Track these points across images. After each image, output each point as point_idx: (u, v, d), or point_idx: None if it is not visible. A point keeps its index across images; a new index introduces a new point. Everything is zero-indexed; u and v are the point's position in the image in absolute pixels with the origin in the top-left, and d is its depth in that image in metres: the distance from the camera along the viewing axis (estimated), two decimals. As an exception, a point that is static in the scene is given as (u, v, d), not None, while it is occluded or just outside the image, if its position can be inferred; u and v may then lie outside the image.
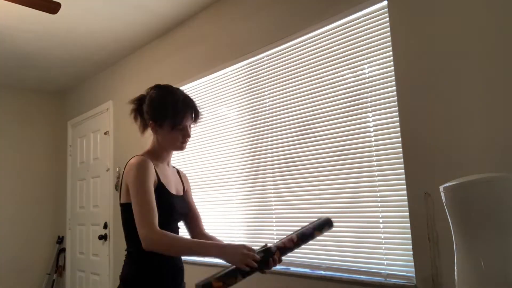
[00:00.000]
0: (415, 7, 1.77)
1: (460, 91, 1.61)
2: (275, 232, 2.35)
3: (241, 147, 2.61)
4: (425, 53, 1.72)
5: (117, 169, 3.82)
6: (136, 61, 3.71)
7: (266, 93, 2.46)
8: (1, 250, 4.36)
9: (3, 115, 4.53)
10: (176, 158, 3.15)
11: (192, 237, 1.78)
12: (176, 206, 1.61)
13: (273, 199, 2.38)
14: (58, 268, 4.62)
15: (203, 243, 1.41)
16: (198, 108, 1.64)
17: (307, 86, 2.23)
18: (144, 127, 1.66)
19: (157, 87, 1.64)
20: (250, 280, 2.41)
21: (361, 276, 1.91)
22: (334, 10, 2.10)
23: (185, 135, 1.61)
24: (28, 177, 4.61)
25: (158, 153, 1.63)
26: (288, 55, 2.34)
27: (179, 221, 1.70)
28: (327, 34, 2.15)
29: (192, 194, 2.99)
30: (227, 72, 2.76)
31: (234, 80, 2.70)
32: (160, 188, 1.54)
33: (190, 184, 2.99)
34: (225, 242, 1.49)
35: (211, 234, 1.79)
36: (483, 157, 1.53)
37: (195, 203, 1.85)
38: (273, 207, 2.37)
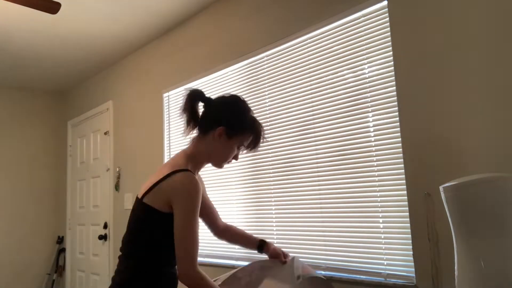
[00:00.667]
0: (415, 7, 1.77)
1: (460, 91, 1.61)
2: (275, 232, 2.35)
3: (241, 147, 2.61)
4: (425, 53, 1.72)
5: (117, 169, 3.82)
6: (136, 61, 3.71)
7: (266, 93, 2.46)
8: (1, 250, 4.36)
9: (3, 115, 4.53)
10: (176, 158, 3.14)
11: (213, 232, 1.80)
12: None
13: (273, 199, 2.38)
14: (58, 268, 4.62)
15: None
16: (263, 136, 1.54)
17: (307, 86, 2.23)
18: (193, 127, 1.52)
19: (237, 97, 1.53)
20: (250, 280, 2.41)
21: (361, 276, 1.91)
22: (334, 10, 2.10)
23: (236, 156, 1.54)
24: (28, 177, 4.61)
25: (198, 163, 1.52)
26: (288, 55, 2.34)
27: None
28: (327, 34, 2.15)
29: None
30: (227, 72, 2.76)
31: (234, 80, 2.70)
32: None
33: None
34: None
35: (229, 223, 1.83)
36: (483, 157, 1.53)
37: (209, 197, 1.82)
38: (273, 207, 2.37)
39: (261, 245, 1.79)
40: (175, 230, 1.36)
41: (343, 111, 2.05)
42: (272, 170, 2.39)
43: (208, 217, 1.79)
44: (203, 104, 1.55)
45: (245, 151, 1.57)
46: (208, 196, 1.77)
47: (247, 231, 1.94)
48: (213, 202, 2.78)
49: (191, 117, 1.51)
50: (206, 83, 2.93)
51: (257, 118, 1.56)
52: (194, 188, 1.35)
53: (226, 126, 1.47)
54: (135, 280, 1.41)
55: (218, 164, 1.54)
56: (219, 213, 2.72)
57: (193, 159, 1.51)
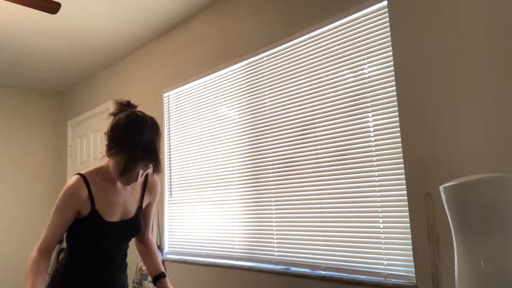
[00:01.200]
0: (415, 7, 1.77)
1: (460, 91, 1.61)
2: (275, 232, 2.35)
3: (241, 147, 2.61)
4: (425, 53, 1.72)
5: (117, 169, 3.82)
6: (136, 61, 3.71)
7: (266, 93, 2.46)
8: (1, 250, 4.36)
9: (3, 114, 4.53)
10: (176, 158, 3.15)
11: (136, 240, 1.78)
12: (108, 235, 1.52)
13: (273, 199, 2.38)
14: (58, 268, 4.62)
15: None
16: (157, 162, 1.42)
17: (307, 86, 2.23)
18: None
19: (127, 116, 1.45)
20: (251, 280, 2.41)
21: (361, 276, 1.91)
22: (334, 10, 2.10)
23: (132, 179, 1.44)
24: (28, 177, 4.61)
25: (103, 175, 1.49)
26: (288, 55, 2.34)
27: (121, 243, 1.61)
28: (327, 34, 2.15)
29: (194, 194, 2.98)
30: (227, 72, 2.76)
31: (234, 80, 2.70)
32: (93, 217, 1.46)
33: (188, 184, 2.99)
34: None
35: (152, 241, 1.80)
36: (483, 157, 1.53)
37: (151, 214, 1.75)
38: (273, 207, 2.37)
39: (157, 278, 1.70)
40: None
41: (343, 111, 2.05)
42: (272, 170, 2.39)
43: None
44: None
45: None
46: (153, 208, 1.73)
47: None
48: (213, 202, 2.79)
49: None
50: (206, 83, 2.94)
51: (152, 139, 1.43)
52: (70, 190, 1.43)
53: (108, 145, 1.43)
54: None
55: (121, 182, 1.47)
56: (218, 213, 2.72)
57: (104, 171, 1.49)
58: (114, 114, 1.50)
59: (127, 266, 1.70)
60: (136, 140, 1.38)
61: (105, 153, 1.44)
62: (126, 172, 1.39)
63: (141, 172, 1.43)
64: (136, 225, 1.59)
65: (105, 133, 1.48)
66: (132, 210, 1.57)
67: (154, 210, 1.76)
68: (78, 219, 1.49)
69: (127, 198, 1.56)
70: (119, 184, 1.52)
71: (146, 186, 1.64)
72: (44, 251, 1.48)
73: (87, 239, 1.53)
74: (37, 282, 1.38)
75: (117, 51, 3.73)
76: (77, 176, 1.46)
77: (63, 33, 3.29)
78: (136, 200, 1.60)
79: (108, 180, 1.50)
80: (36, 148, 4.70)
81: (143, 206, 1.64)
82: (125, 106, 1.51)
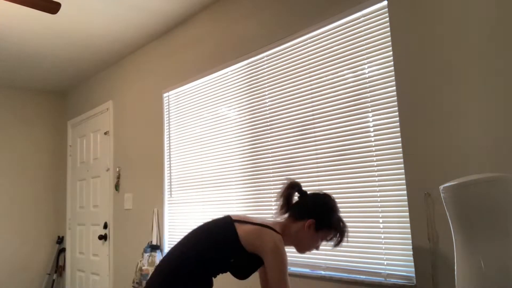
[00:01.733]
0: (415, 7, 1.77)
1: (460, 91, 1.61)
2: (275, 232, 2.35)
3: (241, 147, 2.61)
4: (425, 53, 1.72)
5: (117, 169, 3.82)
6: (136, 61, 3.71)
7: (266, 93, 2.46)
8: (1, 250, 4.36)
9: (3, 115, 4.53)
10: (176, 158, 3.15)
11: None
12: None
13: (273, 199, 2.38)
14: (58, 268, 4.62)
15: None
16: (346, 238, 1.69)
17: (307, 86, 2.23)
18: (285, 211, 1.71)
19: (329, 196, 1.72)
20: (251, 281, 2.41)
21: (361, 276, 1.91)
22: (334, 10, 2.10)
23: (318, 246, 1.69)
24: (28, 177, 4.61)
25: (285, 238, 1.67)
26: (288, 55, 2.34)
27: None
28: (327, 34, 2.15)
29: (194, 194, 2.98)
30: (227, 72, 2.76)
31: (234, 80, 2.70)
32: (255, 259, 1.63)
33: (188, 184, 2.99)
34: None
35: None
36: (483, 157, 1.53)
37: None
38: (273, 207, 2.37)
39: None
40: (270, 279, 1.54)
41: (343, 111, 2.05)
42: (272, 170, 2.39)
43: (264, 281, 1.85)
44: (298, 195, 1.74)
45: (326, 244, 1.72)
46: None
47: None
48: (213, 202, 2.79)
49: (286, 204, 1.71)
50: (206, 83, 2.93)
51: (340, 215, 1.69)
52: (282, 247, 1.57)
53: (316, 219, 1.64)
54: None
55: (301, 250, 1.70)
56: (218, 213, 2.72)
57: (284, 234, 1.67)
58: (285, 195, 1.72)
59: None
60: (340, 217, 1.67)
61: (298, 221, 1.66)
62: (323, 239, 1.66)
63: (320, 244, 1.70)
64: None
65: (289, 202, 1.72)
66: None
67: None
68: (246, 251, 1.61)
69: None
70: None
71: None
72: None
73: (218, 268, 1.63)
74: None
75: (117, 51, 3.73)
76: (280, 236, 1.60)
77: (63, 33, 3.29)
78: None
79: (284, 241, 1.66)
80: (36, 148, 4.70)
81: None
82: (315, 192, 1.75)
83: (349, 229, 1.98)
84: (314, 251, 2.01)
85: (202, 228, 1.68)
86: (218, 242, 1.60)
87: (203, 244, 1.60)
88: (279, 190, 1.74)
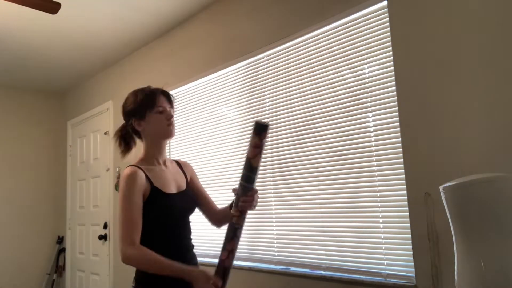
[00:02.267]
0: (415, 7, 1.77)
1: (460, 91, 1.61)
2: (275, 232, 2.35)
3: (241, 147, 2.61)
4: (425, 53, 1.72)
5: (117, 169, 3.82)
6: (136, 61, 3.71)
7: (266, 93, 2.46)
8: (1, 250, 4.36)
9: (3, 115, 4.53)
10: (176, 157, 3.15)
11: (211, 221, 1.85)
12: (176, 205, 1.65)
13: (273, 199, 2.38)
14: (58, 268, 4.62)
15: (172, 267, 1.47)
16: (165, 90, 1.73)
17: (307, 86, 2.23)
18: (126, 144, 1.74)
19: (133, 91, 1.75)
20: (251, 280, 2.41)
21: (361, 276, 1.91)
22: (334, 10, 2.10)
23: (168, 117, 1.67)
24: (28, 177, 4.61)
25: (150, 156, 1.70)
26: (288, 55, 2.34)
27: (186, 216, 1.72)
28: (327, 34, 2.15)
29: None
30: (227, 72, 2.76)
31: (234, 80, 2.70)
32: (155, 193, 1.60)
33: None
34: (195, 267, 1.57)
35: (222, 207, 1.85)
36: (483, 157, 1.53)
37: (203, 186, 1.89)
38: (273, 207, 2.37)
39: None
40: (118, 217, 1.56)
41: (343, 111, 2.05)
42: (272, 170, 2.39)
43: (203, 205, 1.84)
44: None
45: (172, 110, 1.71)
46: (201, 184, 1.90)
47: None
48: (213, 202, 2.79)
49: (125, 144, 1.76)
50: (206, 83, 2.94)
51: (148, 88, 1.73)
52: (129, 176, 1.56)
53: (133, 117, 1.68)
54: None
55: (161, 136, 1.69)
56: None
57: (145, 157, 1.71)
58: (121, 128, 1.77)
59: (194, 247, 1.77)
60: (141, 90, 1.70)
61: (137, 139, 1.73)
62: (157, 111, 1.64)
63: (171, 111, 1.69)
64: (191, 195, 1.77)
65: (125, 136, 1.74)
66: (183, 183, 1.75)
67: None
68: (144, 202, 1.57)
69: (174, 174, 1.74)
70: (162, 166, 1.71)
71: (181, 167, 1.83)
72: (134, 243, 1.49)
73: (156, 216, 1.59)
74: (164, 259, 1.47)
75: (117, 51, 3.73)
76: (129, 166, 1.62)
77: (63, 33, 3.29)
78: (182, 175, 1.78)
79: (153, 164, 1.68)
80: (36, 148, 4.70)
81: (188, 180, 1.81)
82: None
83: (349, 229, 1.98)
84: (314, 251, 2.00)
85: None
86: None
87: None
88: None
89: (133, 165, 1.63)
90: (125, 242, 1.47)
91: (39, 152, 4.72)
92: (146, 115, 1.65)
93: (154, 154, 1.70)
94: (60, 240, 4.67)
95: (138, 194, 1.54)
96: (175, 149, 3.18)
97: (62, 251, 4.67)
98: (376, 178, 1.89)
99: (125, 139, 1.74)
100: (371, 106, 1.93)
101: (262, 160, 2.45)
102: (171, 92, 3.22)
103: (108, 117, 4.05)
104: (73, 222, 4.52)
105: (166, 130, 1.67)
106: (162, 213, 1.60)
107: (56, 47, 3.55)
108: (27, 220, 4.56)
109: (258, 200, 1.64)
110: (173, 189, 1.68)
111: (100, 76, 4.26)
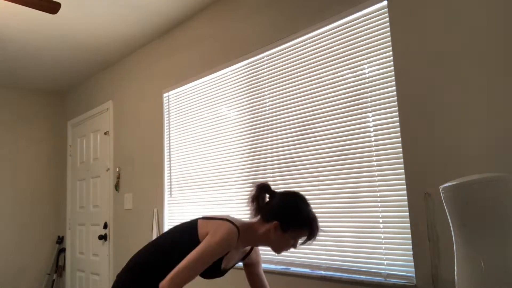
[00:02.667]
0: (415, 7, 1.77)
1: (460, 91, 1.61)
2: (275, 232, 2.35)
3: (241, 147, 2.61)
4: (425, 53, 1.72)
5: (117, 169, 3.82)
6: (136, 61, 3.71)
7: (266, 93, 2.46)
8: (1, 250, 4.36)
9: (3, 115, 4.53)
10: (176, 158, 3.15)
11: None
12: (208, 275, 1.67)
13: (273, 199, 2.37)
14: (58, 268, 4.62)
15: None
16: (318, 232, 1.66)
17: (307, 86, 2.23)
18: (256, 213, 1.68)
19: (295, 194, 1.68)
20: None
21: (361, 276, 1.91)
22: (334, 10, 2.10)
23: (293, 246, 1.65)
24: (28, 177, 4.61)
25: (250, 237, 1.66)
26: (288, 55, 2.34)
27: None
28: (327, 34, 2.15)
29: (194, 194, 2.98)
30: (227, 72, 2.76)
31: (234, 80, 2.70)
32: (218, 260, 1.61)
33: (188, 184, 2.99)
34: None
35: None
36: (483, 157, 1.53)
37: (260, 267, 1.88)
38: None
39: None
40: (189, 254, 1.53)
41: (343, 111, 2.05)
42: (272, 170, 2.39)
43: (255, 284, 1.84)
44: (268, 195, 1.72)
45: (300, 243, 1.67)
46: (262, 272, 1.87)
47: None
48: (213, 202, 2.79)
49: (257, 207, 1.69)
50: (206, 83, 2.93)
51: (312, 212, 1.65)
52: (229, 239, 1.54)
53: (281, 221, 1.61)
54: None
55: (275, 250, 1.66)
56: (219, 213, 2.72)
57: (248, 231, 1.65)
58: (255, 198, 1.69)
59: None
60: (307, 212, 1.62)
61: (263, 221, 1.64)
62: (298, 234, 1.61)
63: (297, 245, 1.65)
64: (223, 274, 1.74)
65: (260, 205, 1.68)
66: (233, 262, 1.75)
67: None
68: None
69: (237, 254, 1.74)
70: (241, 248, 1.70)
71: (250, 252, 1.82)
72: (179, 286, 1.48)
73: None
74: None
75: (117, 51, 3.73)
76: (234, 228, 1.57)
77: (63, 33, 3.29)
78: (239, 258, 1.78)
79: (247, 239, 1.66)
80: (36, 148, 4.70)
81: (247, 262, 1.82)
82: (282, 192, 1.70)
83: (349, 229, 1.98)
84: (314, 251, 2.01)
85: (174, 228, 1.72)
86: (177, 242, 1.62)
87: (167, 244, 1.63)
88: (250, 193, 1.72)
89: (237, 227, 1.59)
90: (174, 280, 1.46)
91: (39, 152, 4.72)
92: (288, 231, 1.61)
93: (253, 238, 1.66)
94: (60, 240, 4.67)
95: (219, 254, 1.54)
96: (175, 149, 3.18)
97: (62, 251, 4.67)
98: (376, 178, 1.89)
99: (258, 202, 1.69)
100: (371, 106, 1.93)
101: (262, 160, 2.46)
102: (171, 92, 3.24)
103: (108, 117, 4.05)
104: (73, 222, 4.52)
105: (278, 250, 1.65)
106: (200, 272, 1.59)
107: (56, 47, 3.55)
108: (27, 220, 4.56)
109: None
110: (226, 265, 1.70)
111: (100, 76, 4.26)
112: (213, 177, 2.81)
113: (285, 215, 1.62)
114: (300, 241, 1.65)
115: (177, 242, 1.63)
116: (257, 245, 1.68)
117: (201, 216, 1.71)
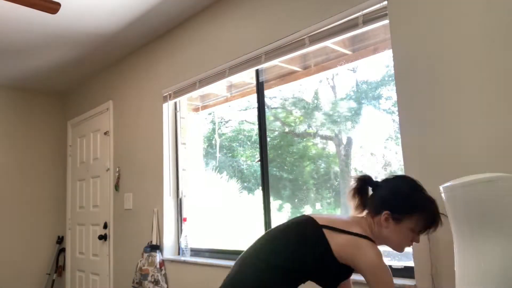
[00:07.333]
0: (415, 7, 1.77)
1: (460, 90, 1.61)
2: (275, 232, 2.35)
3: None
4: (425, 53, 1.72)
5: (117, 169, 3.82)
6: (136, 61, 3.71)
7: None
8: (1, 250, 4.36)
9: (3, 115, 4.53)
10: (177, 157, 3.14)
11: None
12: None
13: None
14: (58, 268, 4.62)
15: None
16: (439, 217, 1.42)
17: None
18: (362, 208, 1.51)
19: (404, 178, 1.52)
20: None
21: (361, 276, 1.90)
22: (334, 10, 2.09)
23: (415, 240, 1.45)
24: (28, 177, 4.61)
25: (375, 239, 1.46)
26: (288, 55, 2.34)
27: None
28: (327, 34, 2.14)
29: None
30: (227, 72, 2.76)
31: (233, 80, 2.70)
32: (347, 269, 1.47)
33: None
34: None
35: None
36: (483, 157, 1.53)
37: None
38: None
39: None
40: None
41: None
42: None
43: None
44: (371, 188, 1.54)
45: (424, 233, 1.46)
46: None
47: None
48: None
49: (360, 202, 1.51)
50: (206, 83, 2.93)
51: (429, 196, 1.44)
52: (380, 255, 1.37)
53: (391, 210, 1.42)
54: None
55: (395, 248, 1.49)
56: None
57: (371, 235, 1.47)
58: (357, 191, 1.50)
59: None
60: (425, 199, 1.41)
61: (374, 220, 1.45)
62: (420, 226, 1.40)
63: (418, 239, 1.44)
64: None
65: (364, 197, 1.50)
66: None
67: None
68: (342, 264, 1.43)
69: None
70: None
71: None
72: None
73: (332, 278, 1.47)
74: None
75: (117, 51, 3.73)
76: (372, 243, 1.41)
77: (63, 33, 3.29)
78: None
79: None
80: (36, 148, 4.70)
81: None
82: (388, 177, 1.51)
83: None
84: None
85: (286, 236, 1.47)
86: (307, 254, 1.41)
87: (289, 255, 1.41)
88: (349, 189, 1.53)
89: (373, 242, 1.42)
90: None
91: (39, 152, 4.72)
92: (403, 220, 1.41)
93: (378, 239, 1.46)
94: (60, 240, 4.67)
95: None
96: (175, 149, 3.18)
97: (62, 251, 4.67)
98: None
99: (361, 196, 1.52)
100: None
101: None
102: (171, 92, 3.23)
103: (108, 117, 4.04)
104: (73, 222, 4.52)
105: (398, 247, 1.47)
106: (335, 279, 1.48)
107: (56, 47, 3.55)
108: (27, 220, 4.55)
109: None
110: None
111: (100, 76, 4.26)
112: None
113: (393, 201, 1.43)
114: (421, 232, 1.43)
115: (306, 254, 1.42)
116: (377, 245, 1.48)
117: (315, 219, 1.47)
